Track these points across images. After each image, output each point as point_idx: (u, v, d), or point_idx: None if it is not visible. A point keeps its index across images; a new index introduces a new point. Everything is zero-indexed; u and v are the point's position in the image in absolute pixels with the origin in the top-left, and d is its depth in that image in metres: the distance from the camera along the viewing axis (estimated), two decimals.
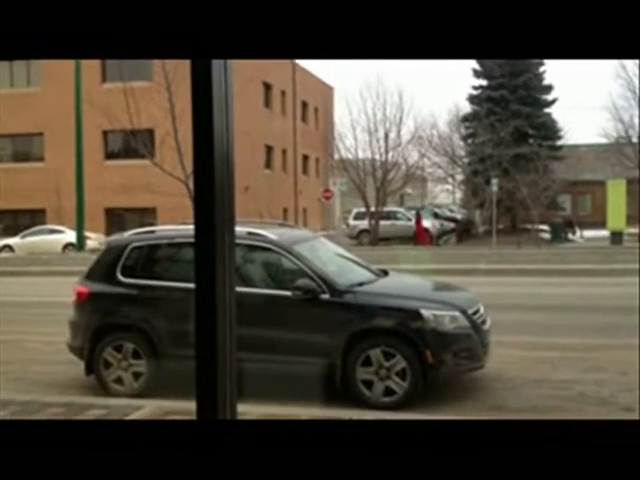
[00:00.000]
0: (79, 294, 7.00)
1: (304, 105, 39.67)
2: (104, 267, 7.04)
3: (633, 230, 26.91)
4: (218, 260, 1.54)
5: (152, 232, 7.40)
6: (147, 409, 5.70)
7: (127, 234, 7.43)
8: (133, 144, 22.75)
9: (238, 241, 6.61)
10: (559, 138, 33.37)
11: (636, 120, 28.88)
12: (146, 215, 26.19)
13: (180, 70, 16.85)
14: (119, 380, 6.64)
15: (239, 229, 6.66)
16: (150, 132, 24.95)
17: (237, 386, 1.65)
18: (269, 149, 34.71)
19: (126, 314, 6.86)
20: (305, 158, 39.80)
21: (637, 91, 28.48)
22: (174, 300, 6.35)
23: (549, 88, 33.23)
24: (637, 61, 28.21)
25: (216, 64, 1.62)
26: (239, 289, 6.73)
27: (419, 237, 27.60)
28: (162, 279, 6.72)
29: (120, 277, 6.85)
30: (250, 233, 6.71)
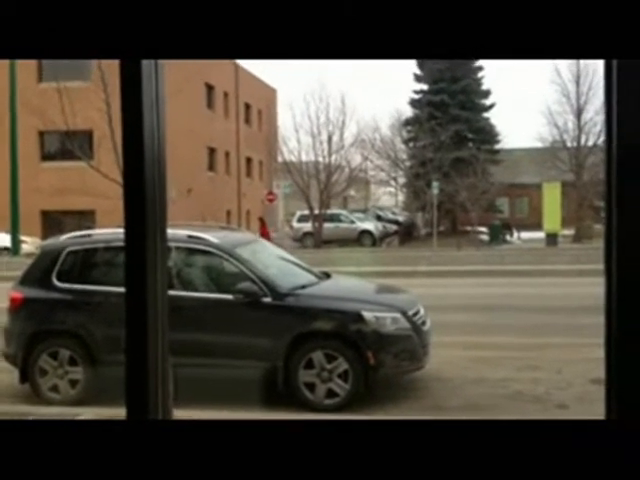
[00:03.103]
0: (13, 300, 6.79)
1: (247, 107, 39.45)
2: (39, 272, 6.85)
3: (567, 232, 27.84)
4: (149, 264, 1.52)
5: (89, 236, 7.23)
6: (83, 417, 5.57)
7: (63, 238, 7.24)
8: (69, 146, 22.20)
9: (178, 244, 6.55)
10: (497, 142, 34.20)
11: (570, 125, 29.90)
12: (84, 218, 25.53)
13: (117, 69, 16.48)
14: (55, 388, 6.47)
15: (179, 232, 6.60)
16: (89, 133, 24.37)
17: (171, 388, 1.63)
18: (212, 151, 34.37)
19: (62, 320, 6.70)
20: (248, 160, 39.58)
21: (571, 96, 29.49)
22: (112, 305, 6.21)
23: (487, 93, 34.04)
24: (571, 68, 29.24)
25: (146, 64, 1.59)
26: (180, 293, 6.63)
27: None
28: (99, 284, 6.58)
29: (56, 282, 6.68)
30: (191, 236, 6.65)
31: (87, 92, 21.02)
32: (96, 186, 21.50)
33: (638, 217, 1.70)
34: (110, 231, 7.15)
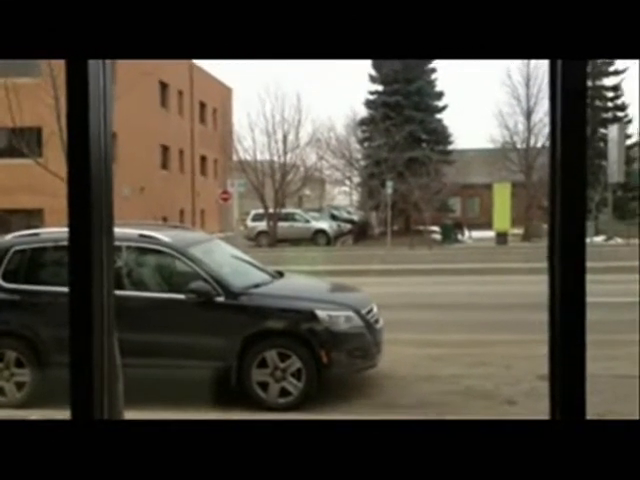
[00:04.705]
0: None
1: (202, 105, 39.06)
2: None
3: (517, 231, 28.44)
4: (95, 263, 1.49)
5: (36, 235, 7.06)
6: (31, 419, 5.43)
7: (9, 237, 7.05)
8: (16, 143, 21.61)
9: (129, 244, 6.45)
10: (449, 143, 34.69)
11: (520, 126, 30.55)
12: (32, 217, 24.91)
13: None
14: (0, 390, 6.30)
15: (131, 231, 6.50)
16: (37, 130, 23.77)
17: (121, 389, 1.60)
18: (165, 149, 33.92)
19: (8, 321, 6.53)
20: (203, 159, 39.20)
21: (521, 98, 30.13)
22: (60, 306, 6.07)
23: (440, 95, 34.50)
24: (522, 70, 29.90)
25: (93, 64, 1.56)
26: (132, 293, 6.54)
27: None
28: (47, 284, 6.43)
29: (1, 282, 6.51)
30: (142, 235, 6.55)
31: (36, 88, 20.47)
32: (44, 184, 20.97)
33: (581, 216, 1.75)
34: (59, 230, 6.98)
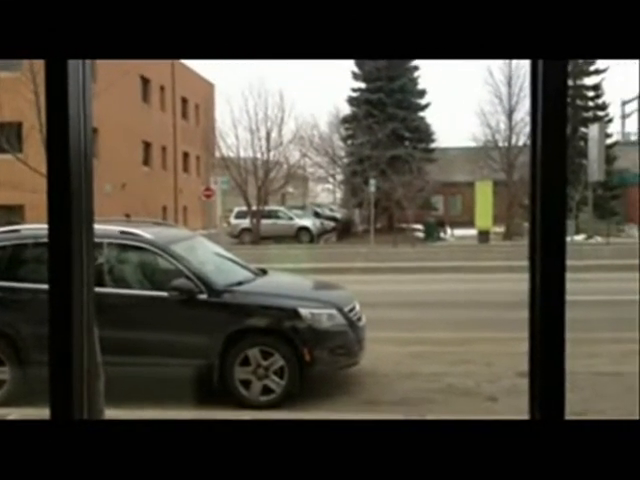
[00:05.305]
0: None
1: (184, 101, 38.82)
2: None
3: (499, 229, 28.63)
4: (74, 260, 1.48)
5: (16, 231, 6.99)
6: (10, 417, 5.38)
7: None
8: None
9: (110, 241, 6.40)
10: (432, 141, 34.79)
11: (502, 125, 30.74)
12: (12, 213, 24.64)
13: None
14: None
15: (112, 228, 6.45)
16: (17, 125, 23.50)
17: (102, 387, 1.59)
18: (147, 145, 33.69)
19: None
20: (185, 156, 38.99)
21: (503, 97, 30.32)
22: (41, 303, 6.01)
23: (423, 93, 34.60)
24: (503, 70, 30.07)
25: (73, 63, 1.55)
26: (113, 290, 6.48)
27: None
28: (28, 281, 6.36)
29: None
30: (123, 232, 6.51)
31: (16, 83, 20.25)
32: (25, 180, 20.76)
33: (561, 215, 1.76)
34: (39, 226, 6.91)
